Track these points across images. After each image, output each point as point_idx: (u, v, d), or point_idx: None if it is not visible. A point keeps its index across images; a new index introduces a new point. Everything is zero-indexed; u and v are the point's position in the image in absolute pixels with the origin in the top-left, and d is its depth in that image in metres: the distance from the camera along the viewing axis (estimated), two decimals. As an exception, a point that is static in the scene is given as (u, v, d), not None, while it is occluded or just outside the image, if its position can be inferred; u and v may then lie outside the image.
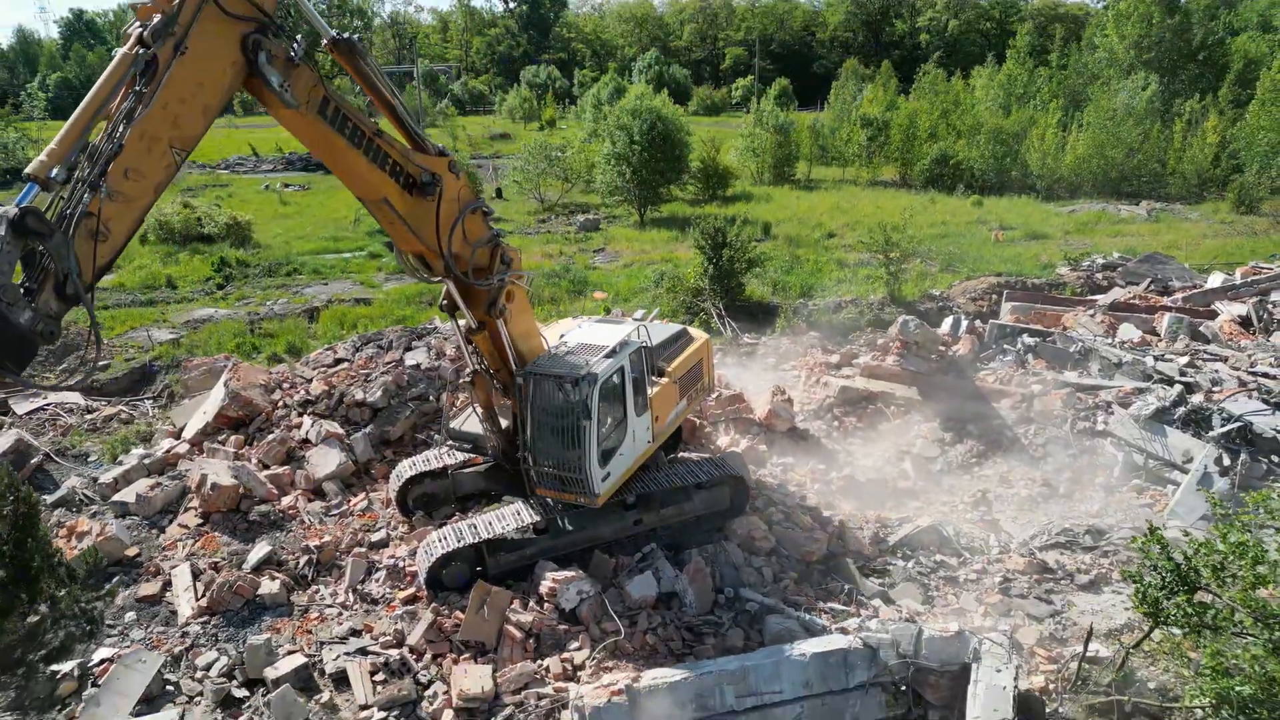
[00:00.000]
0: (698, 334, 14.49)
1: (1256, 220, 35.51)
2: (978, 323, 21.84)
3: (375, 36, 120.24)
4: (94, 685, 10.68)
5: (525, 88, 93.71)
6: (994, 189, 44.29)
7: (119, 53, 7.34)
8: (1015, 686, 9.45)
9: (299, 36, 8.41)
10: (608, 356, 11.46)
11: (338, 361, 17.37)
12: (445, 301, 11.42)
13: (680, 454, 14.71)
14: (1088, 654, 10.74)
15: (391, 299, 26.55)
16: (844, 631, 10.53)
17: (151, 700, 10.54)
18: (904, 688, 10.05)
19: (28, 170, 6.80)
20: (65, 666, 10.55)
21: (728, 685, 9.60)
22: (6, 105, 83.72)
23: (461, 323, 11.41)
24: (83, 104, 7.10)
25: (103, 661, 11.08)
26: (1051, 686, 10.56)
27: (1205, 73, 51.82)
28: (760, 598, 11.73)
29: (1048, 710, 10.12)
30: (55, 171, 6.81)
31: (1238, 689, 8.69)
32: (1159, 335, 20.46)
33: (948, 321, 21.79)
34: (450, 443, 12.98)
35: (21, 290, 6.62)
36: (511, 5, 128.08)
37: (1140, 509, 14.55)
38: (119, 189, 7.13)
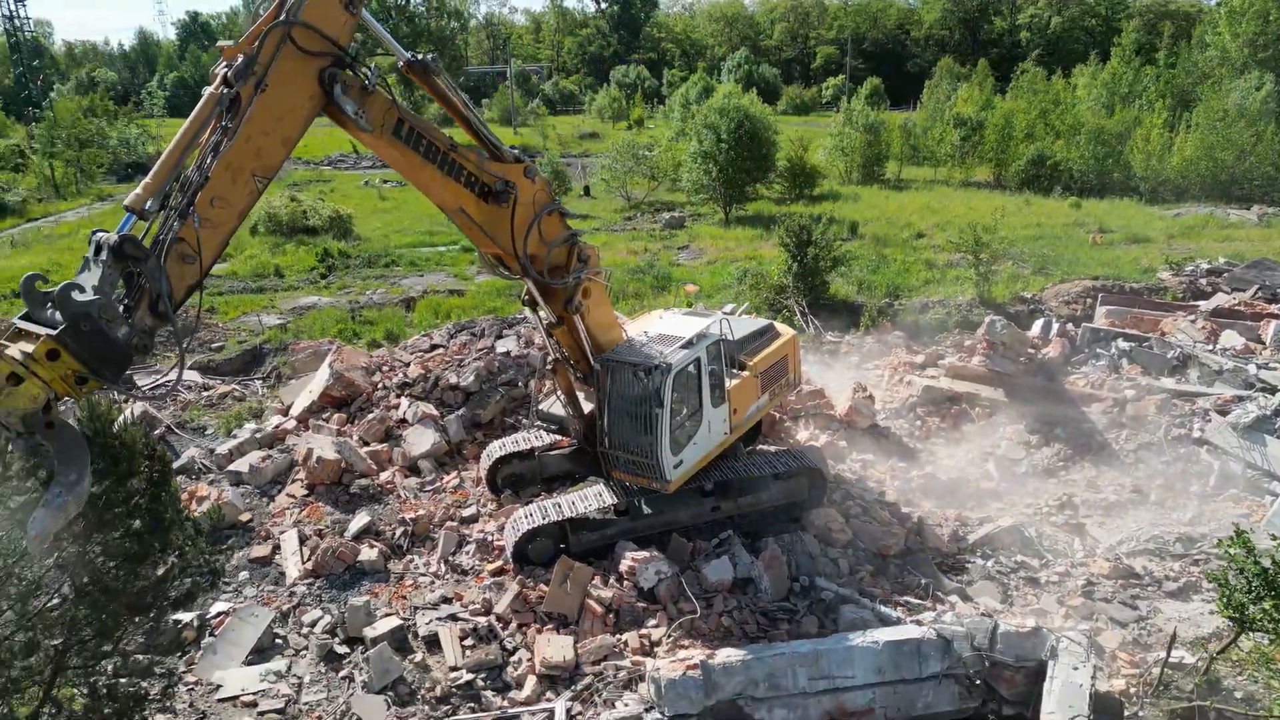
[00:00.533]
0: (784, 329, 14.71)
1: (1381, 227, 33.55)
2: (1070, 326, 21.38)
3: (470, 37, 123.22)
4: (211, 635, 11.62)
5: (615, 87, 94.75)
6: (1094, 191, 42.88)
7: (207, 91, 8.04)
8: (1093, 685, 9.42)
9: (372, 65, 9.02)
10: (684, 347, 11.83)
11: (433, 347, 18.21)
12: (526, 297, 11.97)
13: (758, 446, 14.96)
14: (1172, 660, 10.62)
15: (483, 290, 27.47)
16: (918, 623, 10.65)
17: (262, 651, 11.41)
18: (978, 681, 10.12)
19: (126, 202, 7.56)
20: (186, 616, 11.51)
21: (800, 667, 9.84)
22: (129, 103, 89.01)
23: (542, 314, 11.90)
24: (173, 140, 7.82)
25: (219, 614, 12.04)
26: (1132, 690, 10.47)
27: (1327, 71, 49.01)
28: (835, 587, 11.92)
29: (1127, 713, 10.05)
30: (150, 203, 7.57)
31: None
32: (1264, 343, 19.66)
33: (1038, 324, 21.39)
34: (538, 423, 13.57)
35: (120, 308, 7.40)
36: (603, 6, 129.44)
37: (1236, 519, 14.12)
38: (206, 216, 7.82)
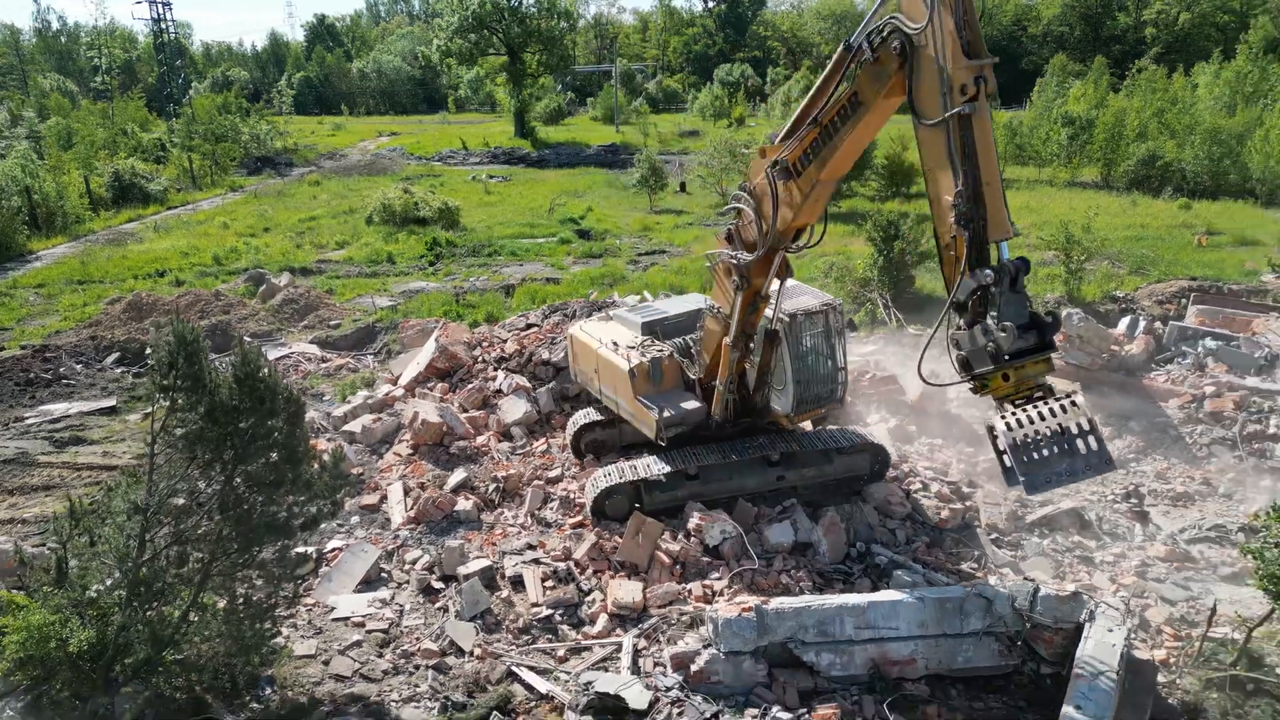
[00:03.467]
0: None
1: None
2: (1158, 324, 21.23)
3: (579, 36, 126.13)
4: (326, 566, 13.25)
5: (717, 85, 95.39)
6: (1207, 193, 41.35)
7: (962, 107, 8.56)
8: (1126, 647, 9.95)
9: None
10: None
11: (529, 326, 19.65)
12: (777, 280, 12.14)
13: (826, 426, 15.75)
14: (1218, 635, 11.01)
15: (578, 279, 28.89)
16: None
17: (370, 582, 12.96)
18: (1018, 641, 10.75)
19: (998, 237, 8.73)
20: (306, 549, 13.18)
21: (848, 617, 10.69)
22: (260, 101, 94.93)
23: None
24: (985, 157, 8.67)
25: (333, 549, 13.69)
26: (1173, 660, 10.92)
27: None
28: (890, 554, 12.69)
29: (1166, 679, 10.53)
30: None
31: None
32: (1365, 346, 19.17)
33: (1124, 321, 21.30)
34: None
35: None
36: (710, 4, 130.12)
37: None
38: None
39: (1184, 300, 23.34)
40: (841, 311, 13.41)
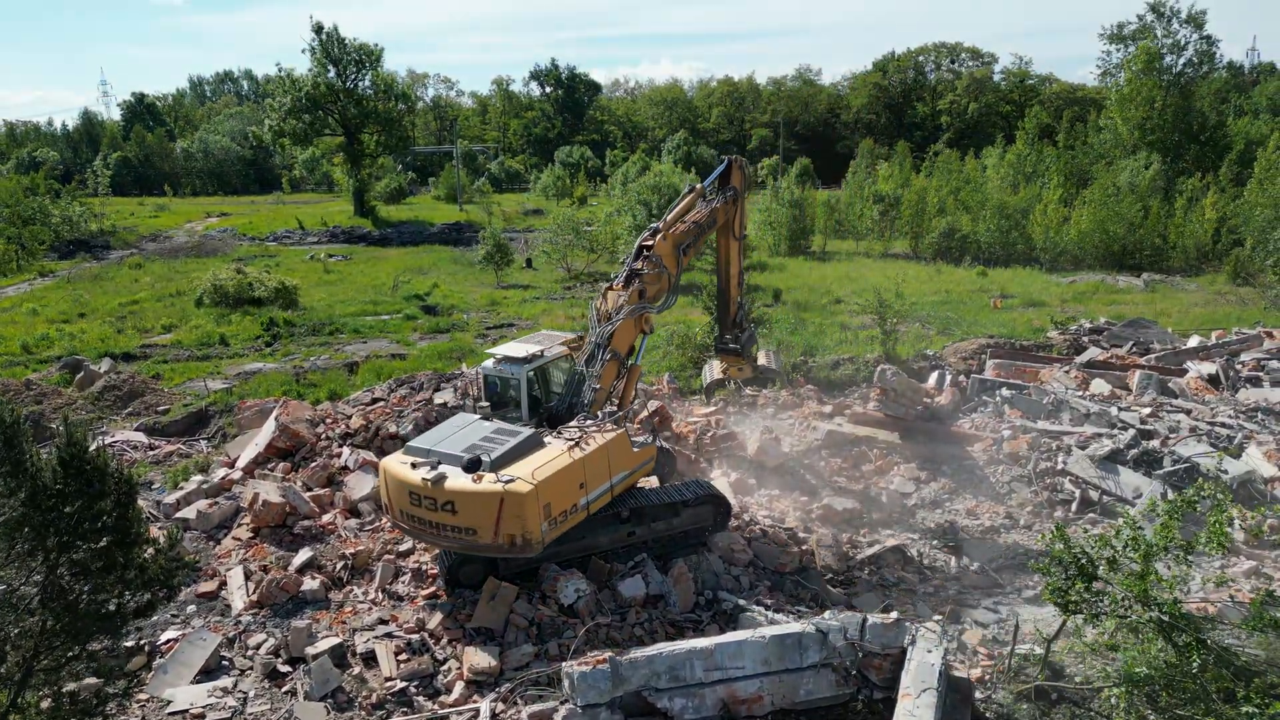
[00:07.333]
0: None
1: (1250, 291, 36.94)
2: (963, 378, 23.49)
3: (418, 119, 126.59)
4: (160, 657, 12.54)
5: (559, 167, 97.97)
6: (1000, 261, 46.17)
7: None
8: (943, 664, 10.94)
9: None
10: None
11: (375, 400, 19.49)
12: None
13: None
14: (1025, 651, 12.23)
15: (424, 354, 28.78)
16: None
17: (210, 672, 12.37)
18: (853, 671, 11.56)
19: (744, 294, 19.04)
20: (140, 642, 12.43)
21: (698, 660, 11.20)
22: (73, 182, 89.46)
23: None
24: None
25: (168, 641, 12.98)
26: (988, 677, 12.03)
27: (1207, 153, 53.78)
28: (735, 599, 13.36)
29: (983, 695, 11.59)
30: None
31: (1137, 670, 10.25)
32: (1130, 390, 21.97)
33: (934, 375, 23.48)
34: None
35: None
36: (547, 90, 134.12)
37: (1092, 538, 15.93)
38: None
39: (983, 356, 25.94)
40: None
